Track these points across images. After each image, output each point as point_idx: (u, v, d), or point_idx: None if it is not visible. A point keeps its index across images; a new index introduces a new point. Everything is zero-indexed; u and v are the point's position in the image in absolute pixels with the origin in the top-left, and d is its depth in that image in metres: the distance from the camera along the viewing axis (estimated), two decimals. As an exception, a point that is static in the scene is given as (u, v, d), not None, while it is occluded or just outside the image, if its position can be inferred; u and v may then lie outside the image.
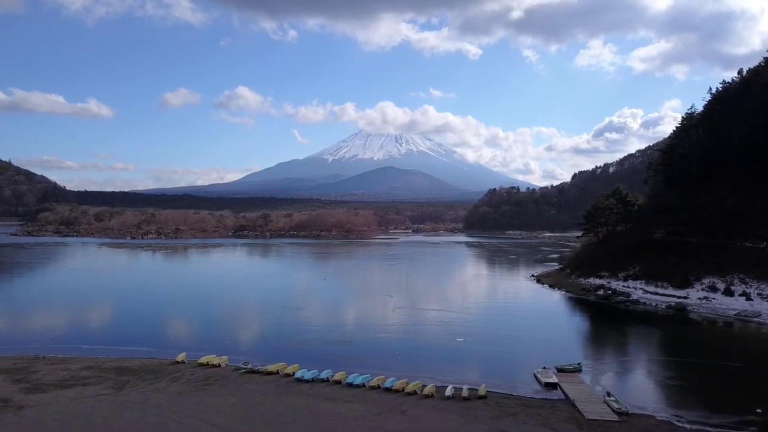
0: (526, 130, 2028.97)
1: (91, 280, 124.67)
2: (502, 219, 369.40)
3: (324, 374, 49.36)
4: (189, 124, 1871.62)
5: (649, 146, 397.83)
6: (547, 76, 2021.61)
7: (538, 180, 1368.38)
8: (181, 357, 55.34)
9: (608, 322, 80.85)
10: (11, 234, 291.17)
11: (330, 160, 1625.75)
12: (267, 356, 56.64)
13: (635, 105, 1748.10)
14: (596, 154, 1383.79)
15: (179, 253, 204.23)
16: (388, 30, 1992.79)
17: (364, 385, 47.09)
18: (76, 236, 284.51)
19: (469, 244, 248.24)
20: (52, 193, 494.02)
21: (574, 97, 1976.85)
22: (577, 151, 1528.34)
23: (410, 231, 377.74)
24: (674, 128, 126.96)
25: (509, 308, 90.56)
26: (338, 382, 48.12)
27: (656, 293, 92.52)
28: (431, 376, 49.82)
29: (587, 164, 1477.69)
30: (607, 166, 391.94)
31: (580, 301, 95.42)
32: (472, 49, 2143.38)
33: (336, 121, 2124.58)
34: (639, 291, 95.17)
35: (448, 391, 44.51)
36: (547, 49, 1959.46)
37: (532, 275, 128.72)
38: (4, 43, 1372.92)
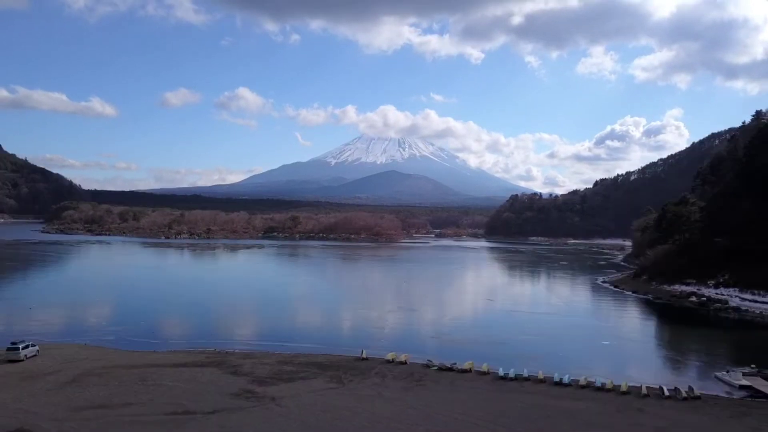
0: (527, 136, 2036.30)
1: (193, 279, 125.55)
2: (525, 225, 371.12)
3: (525, 372, 51.16)
4: (190, 124, 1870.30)
5: (671, 155, 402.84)
6: (548, 82, 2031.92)
7: (539, 186, 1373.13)
8: (364, 353, 57.08)
9: (722, 329, 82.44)
10: (41, 231, 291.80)
11: (333, 163, 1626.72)
12: (428, 354, 58.22)
13: (637, 113, 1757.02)
14: (598, 162, 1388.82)
15: (230, 253, 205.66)
16: (390, 33, 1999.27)
17: (571, 384, 48.91)
18: (108, 234, 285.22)
19: (505, 250, 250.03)
20: (68, 191, 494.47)
21: (576, 104, 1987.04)
22: (579, 158, 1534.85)
23: (433, 235, 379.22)
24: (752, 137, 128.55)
25: (615, 311, 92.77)
26: (542, 381, 49.92)
27: (755, 301, 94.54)
28: (606, 375, 51.03)
29: (589, 172, 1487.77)
30: (628, 174, 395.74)
31: (672, 307, 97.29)
32: (474, 53, 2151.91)
33: (337, 123, 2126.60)
34: (736, 299, 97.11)
35: (667, 391, 46.36)
36: (549, 56, 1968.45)
37: (604, 281, 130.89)
38: (7, 40, 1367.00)
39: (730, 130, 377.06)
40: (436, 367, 53.85)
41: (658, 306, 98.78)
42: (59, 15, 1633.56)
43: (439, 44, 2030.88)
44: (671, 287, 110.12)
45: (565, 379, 49.37)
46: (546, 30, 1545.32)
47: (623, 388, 47.29)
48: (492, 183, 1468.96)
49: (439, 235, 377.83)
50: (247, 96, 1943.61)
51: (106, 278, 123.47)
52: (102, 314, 78.52)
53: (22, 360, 51.50)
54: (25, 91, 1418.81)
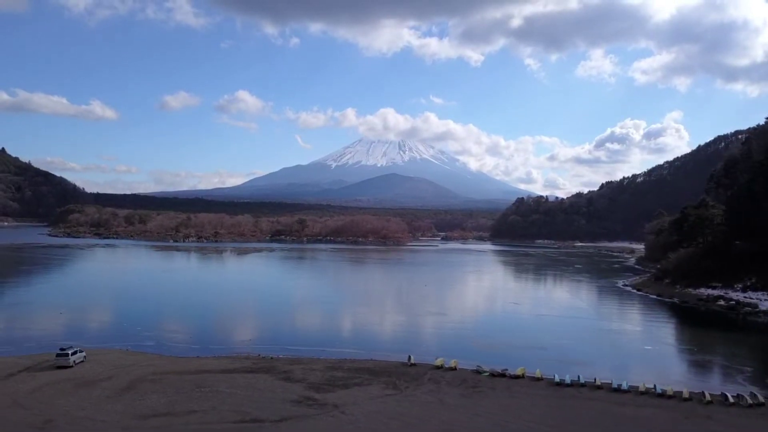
0: (527, 138, 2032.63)
1: (214, 282, 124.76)
2: (532, 228, 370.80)
3: (581, 378, 50.56)
4: (190, 127, 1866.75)
5: (677, 158, 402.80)
6: (548, 84, 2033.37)
7: (540, 189, 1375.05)
8: (412, 359, 56.46)
9: (757, 333, 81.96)
10: (48, 235, 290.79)
11: (333, 165, 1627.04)
12: (472, 359, 57.58)
13: (637, 116, 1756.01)
14: (598, 165, 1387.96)
15: (241, 256, 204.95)
16: (390, 36, 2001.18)
17: (630, 390, 48.33)
18: (116, 238, 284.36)
19: (515, 253, 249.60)
20: (72, 194, 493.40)
21: (576, 106, 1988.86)
22: (579, 161, 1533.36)
23: (439, 238, 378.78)
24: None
25: (645, 315, 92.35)
26: (599, 387, 49.31)
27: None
28: (655, 381, 50.32)
29: (589, 174, 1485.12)
30: (634, 177, 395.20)
31: (700, 311, 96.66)
32: (473, 56, 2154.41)
33: (337, 126, 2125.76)
34: (765, 302, 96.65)
35: (731, 398, 45.80)
36: (548, 58, 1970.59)
37: (625, 284, 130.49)
38: (7, 43, 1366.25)
39: (737, 132, 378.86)
40: (487, 373, 53.21)
41: (686, 310, 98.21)
42: (59, 18, 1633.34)
43: (438, 47, 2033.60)
44: (697, 291, 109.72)
45: (624, 386, 48.78)
46: (545, 33, 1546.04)
47: (685, 395, 46.69)
48: (492, 186, 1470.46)
49: (445, 238, 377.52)
50: (247, 99, 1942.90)
51: (128, 281, 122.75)
52: (134, 318, 77.71)
53: (72, 366, 50.87)
54: (25, 95, 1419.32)
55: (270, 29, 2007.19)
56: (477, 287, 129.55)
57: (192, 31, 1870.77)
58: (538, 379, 51.66)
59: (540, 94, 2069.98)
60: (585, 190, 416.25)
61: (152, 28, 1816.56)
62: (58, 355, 51.13)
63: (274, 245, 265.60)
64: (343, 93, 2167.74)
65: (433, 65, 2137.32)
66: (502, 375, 52.75)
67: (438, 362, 55.76)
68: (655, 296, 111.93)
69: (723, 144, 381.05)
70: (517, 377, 52.26)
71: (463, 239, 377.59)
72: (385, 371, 53.07)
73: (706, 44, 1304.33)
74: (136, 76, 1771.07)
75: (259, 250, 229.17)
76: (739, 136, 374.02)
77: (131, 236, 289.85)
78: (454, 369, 54.63)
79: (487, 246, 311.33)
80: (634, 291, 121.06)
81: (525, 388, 49.24)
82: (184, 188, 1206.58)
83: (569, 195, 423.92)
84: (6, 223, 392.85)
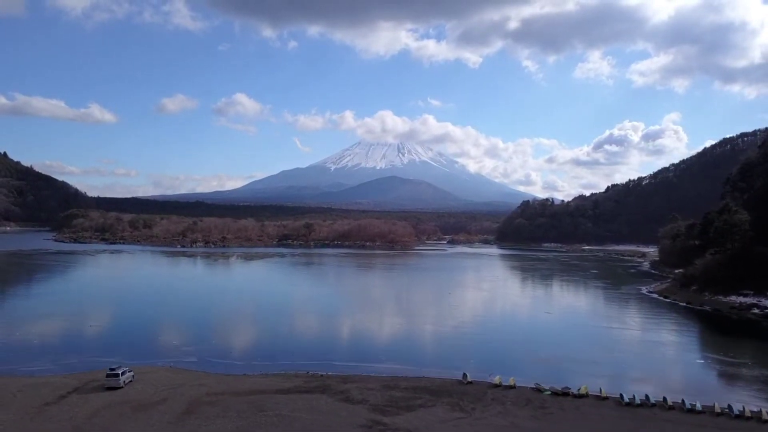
0: (526, 140, 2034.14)
1: (237, 290, 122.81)
2: (538, 231, 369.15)
3: (650, 398, 48.90)
4: (189, 130, 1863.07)
5: (683, 160, 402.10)
6: (546, 86, 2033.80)
7: (539, 191, 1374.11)
8: (468, 377, 54.78)
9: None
10: (54, 240, 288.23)
11: (333, 168, 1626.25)
12: (524, 375, 55.97)
13: (635, 117, 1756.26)
14: (597, 167, 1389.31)
15: (254, 261, 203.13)
16: (388, 38, 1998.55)
17: (704, 411, 46.69)
18: (123, 243, 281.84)
19: (526, 257, 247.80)
20: (74, 198, 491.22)
21: (574, 108, 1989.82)
22: (578, 162, 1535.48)
23: (445, 242, 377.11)
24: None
25: (681, 325, 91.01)
26: (671, 407, 47.65)
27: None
28: (719, 399, 48.95)
29: (588, 176, 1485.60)
30: (640, 179, 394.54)
31: (735, 320, 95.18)
32: (471, 57, 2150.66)
33: (335, 129, 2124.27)
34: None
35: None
36: (546, 60, 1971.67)
37: (650, 291, 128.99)
38: (5, 47, 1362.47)
39: (742, 134, 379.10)
40: (549, 392, 51.52)
41: (720, 318, 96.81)
42: (56, 22, 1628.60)
43: (436, 49, 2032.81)
44: (727, 298, 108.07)
45: (698, 406, 47.13)
46: (542, 34, 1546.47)
47: (765, 416, 45.04)
48: (491, 188, 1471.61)
49: (451, 242, 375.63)
50: (245, 102, 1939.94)
51: (149, 290, 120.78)
52: (168, 331, 76.04)
53: (122, 387, 49.05)
54: (23, 98, 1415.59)
55: (268, 32, 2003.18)
56: (502, 295, 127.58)
57: (190, 35, 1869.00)
58: (604, 398, 49.98)
59: (538, 96, 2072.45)
60: (584, 192, 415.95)
61: (150, 32, 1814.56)
62: (108, 375, 49.31)
63: (283, 250, 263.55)
64: (341, 95, 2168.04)
65: (431, 67, 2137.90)
66: (565, 394, 51.05)
67: (496, 380, 54.07)
68: (684, 304, 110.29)
69: (729, 146, 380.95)
70: (581, 396, 50.59)
71: (469, 242, 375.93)
72: (444, 390, 51.34)
73: (704, 46, 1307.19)
74: (134, 79, 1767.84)
75: (270, 256, 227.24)
76: (745, 138, 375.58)
77: (138, 241, 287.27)
78: (513, 387, 52.95)
79: (495, 250, 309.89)
80: (661, 298, 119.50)
81: (594, 408, 47.58)
82: (183, 191, 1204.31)
83: (568, 197, 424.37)
84: (8, 228, 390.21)
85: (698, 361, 66.16)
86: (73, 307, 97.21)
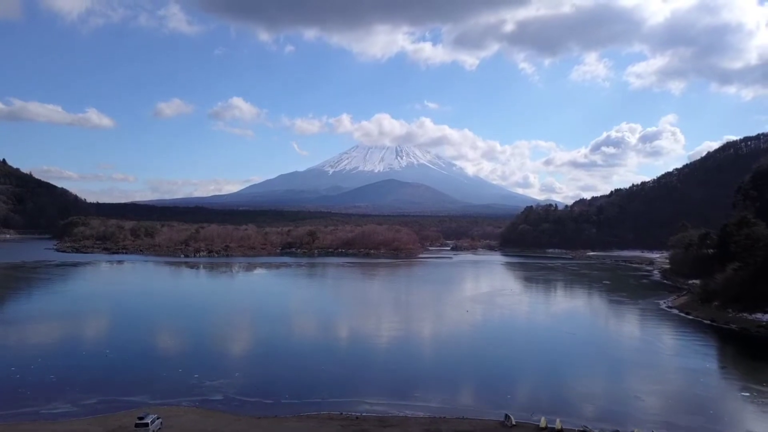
0: (523, 143, 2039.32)
1: (248, 309, 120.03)
2: (542, 237, 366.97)
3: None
4: (186, 134, 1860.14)
5: (686, 165, 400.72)
6: (543, 89, 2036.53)
7: (537, 194, 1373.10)
8: (512, 419, 52.26)
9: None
10: (56, 250, 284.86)
11: (331, 172, 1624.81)
12: (562, 413, 53.67)
13: (632, 119, 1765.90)
14: (594, 169, 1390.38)
15: (261, 272, 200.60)
16: (384, 42, 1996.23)
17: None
18: (125, 253, 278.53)
19: (534, 266, 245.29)
20: (74, 205, 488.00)
21: (571, 111, 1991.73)
22: (575, 165, 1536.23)
23: (449, 248, 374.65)
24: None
25: (713, 349, 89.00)
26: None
27: None
28: None
29: (586, 178, 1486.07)
30: (644, 184, 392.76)
31: (763, 339, 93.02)
32: (468, 60, 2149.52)
33: (332, 132, 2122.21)
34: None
35: None
36: (542, 63, 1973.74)
37: (669, 306, 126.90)
38: (1, 52, 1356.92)
39: (746, 138, 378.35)
40: (600, 436, 49.11)
41: (749, 339, 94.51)
42: (52, 26, 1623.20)
43: (432, 52, 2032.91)
44: (752, 316, 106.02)
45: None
46: (538, 37, 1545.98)
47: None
48: (490, 190, 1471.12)
49: (454, 248, 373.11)
50: (242, 106, 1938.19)
51: (163, 310, 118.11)
52: (186, 362, 73.28)
53: (152, 436, 46.45)
54: (20, 103, 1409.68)
55: (264, 36, 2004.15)
56: (520, 312, 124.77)
57: (186, 39, 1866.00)
58: (659, 444, 47.55)
59: (535, 98, 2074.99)
60: (582, 194, 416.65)
61: (146, 36, 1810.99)
62: (137, 425, 46.72)
63: (287, 259, 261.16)
64: (338, 99, 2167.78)
65: (428, 70, 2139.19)
66: (618, 438, 48.64)
67: (542, 423, 51.55)
68: (708, 321, 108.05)
69: (732, 150, 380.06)
70: (635, 441, 48.16)
71: (473, 248, 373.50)
72: (490, 435, 48.81)
73: (700, 48, 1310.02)
74: (131, 84, 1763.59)
75: (276, 266, 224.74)
76: (749, 142, 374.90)
77: (140, 251, 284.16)
78: (560, 431, 50.44)
79: (500, 257, 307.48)
80: (682, 314, 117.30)
81: (653, 456, 45.06)
82: (181, 196, 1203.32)
83: (566, 199, 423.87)
84: (8, 236, 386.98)
85: (743, 393, 63.65)
86: (86, 330, 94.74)
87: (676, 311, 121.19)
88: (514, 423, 51.87)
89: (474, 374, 71.36)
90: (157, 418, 48.66)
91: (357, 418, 53.49)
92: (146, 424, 46.56)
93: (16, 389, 60.38)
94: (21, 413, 53.20)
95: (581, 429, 50.80)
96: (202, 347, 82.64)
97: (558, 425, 51.07)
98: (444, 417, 53.84)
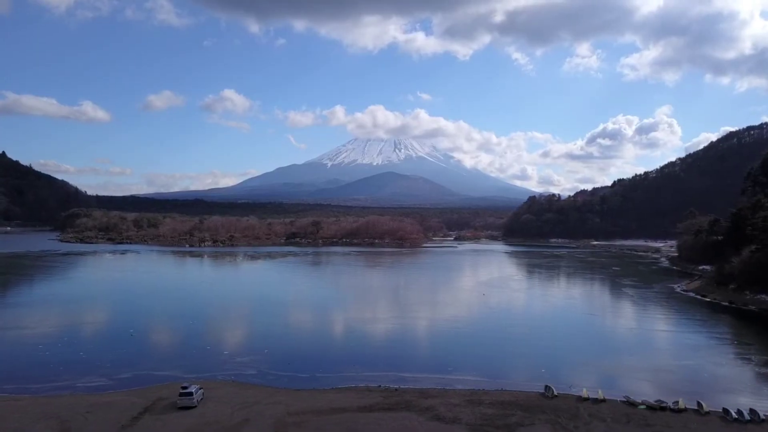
0: (519, 134, 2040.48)
1: (260, 294, 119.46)
2: (545, 227, 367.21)
3: (760, 413, 46.20)
4: (179, 127, 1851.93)
5: (689, 155, 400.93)
6: (537, 80, 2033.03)
7: (535, 186, 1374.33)
8: (554, 390, 51.89)
9: None
10: (60, 240, 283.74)
11: (329, 164, 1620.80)
12: (598, 384, 53.40)
13: (626, 111, 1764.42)
14: (591, 160, 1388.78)
15: (269, 261, 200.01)
16: (374, 32, 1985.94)
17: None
18: (130, 243, 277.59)
19: (540, 254, 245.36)
20: (74, 198, 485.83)
21: (567, 102, 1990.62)
22: (572, 156, 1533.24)
23: (452, 238, 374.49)
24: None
25: (735, 326, 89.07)
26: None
27: None
28: None
29: (584, 170, 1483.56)
30: (647, 174, 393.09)
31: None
32: (461, 50, 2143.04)
33: (326, 124, 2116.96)
34: None
35: None
36: (534, 53, 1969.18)
37: (684, 289, 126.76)
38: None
39: (749, 128, 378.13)
40: (643, 406, 48.76)
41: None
42: (40, 19, 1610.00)
43: (424, 42, 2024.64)
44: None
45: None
46: (529, 26, 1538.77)
47: None
48: (488, 182, 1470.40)
49: (458, 238, 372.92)
50: (234, 98, 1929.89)
51: (175, 294, 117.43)
52: (214, 340, 72.89)
53: (195, 406, 45.99)
54: (14, 96, 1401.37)
55: (254, 28, 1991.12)
56: (537, 295, 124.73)
57: (175, 31, 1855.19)
58: (705, 414, 47.22)
59: (529, 89, 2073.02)
60: (580, 186, 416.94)
61: (134, 29, 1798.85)
62: (181, 394, 46.29)
63: (293, 249, 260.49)
64: (330, 91, 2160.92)
65: (420, 61, 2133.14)
66: (662, 408, 48.35)
67: (584, 393, 51.24)
68: (726, 303, 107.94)
69: (735, 140, 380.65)
70: (679, 411, 47.86)
71: (476, 238, 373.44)
72: (534, 406, 48.47)
73: (692, 37, 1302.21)
74: (123, 76, 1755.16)
75: (283, 255, 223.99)
76: (752, 132, 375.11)
77: (145, 241, 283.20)
78: (603, 401, 50.18)
79: (504, 246, 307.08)
80: (699, 297, 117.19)
81: (703, 426, 44.88)
82: (177, 189, 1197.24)
83: (564, 191, 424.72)
84: (9, 228, 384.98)
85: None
86: (106, 313, 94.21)
87: (692, 294, 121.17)
88: (555, 394, 51.50)
89: (505, 352, 70.96)
90: (200, 389, 48.24)
91: (397, 390, 53.04)
92: (190, 393, 46.15)
93: (48, 365, 59.87)
94: (57, 386, 52.80)
95: (624, 399, 50.40)
96: (227, 328, 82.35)
97: (600, 395, 50.76)
98: (484, 390, 53.36)
